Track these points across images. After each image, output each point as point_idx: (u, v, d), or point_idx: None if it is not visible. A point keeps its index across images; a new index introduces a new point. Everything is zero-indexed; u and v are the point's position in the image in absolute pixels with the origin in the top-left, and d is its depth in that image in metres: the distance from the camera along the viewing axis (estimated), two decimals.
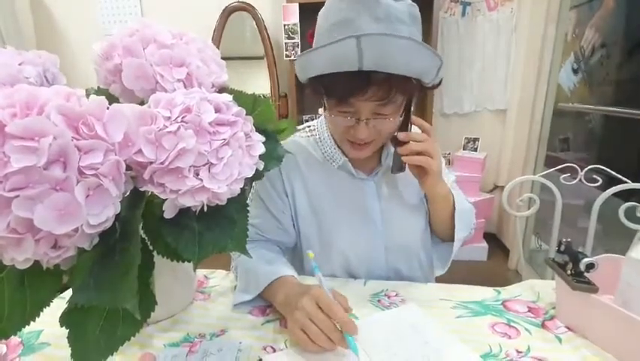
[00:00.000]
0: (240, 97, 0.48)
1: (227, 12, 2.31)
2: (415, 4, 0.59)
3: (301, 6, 2.08)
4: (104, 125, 0.34)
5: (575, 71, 1.87)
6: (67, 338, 0.37)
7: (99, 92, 0.51)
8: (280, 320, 0.62)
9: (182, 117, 0.38)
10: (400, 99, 0.62)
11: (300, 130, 0.81)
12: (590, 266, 0.54)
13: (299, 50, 2.17)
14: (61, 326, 0.37)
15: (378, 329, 0.60)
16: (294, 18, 2.11)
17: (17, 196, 0.30)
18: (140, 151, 0.37)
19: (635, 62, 1.52)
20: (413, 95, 0.64)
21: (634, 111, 1.40)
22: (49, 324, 0.50)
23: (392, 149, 0.70)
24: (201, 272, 0.79)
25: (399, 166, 0.69)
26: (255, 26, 2.31)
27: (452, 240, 0.76)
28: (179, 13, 2.43)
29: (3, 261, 0.33)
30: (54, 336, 0.58)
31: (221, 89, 0.49)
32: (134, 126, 0.37)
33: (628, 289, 0.56)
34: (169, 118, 0.38)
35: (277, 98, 2.37)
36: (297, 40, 2.15)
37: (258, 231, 0.75)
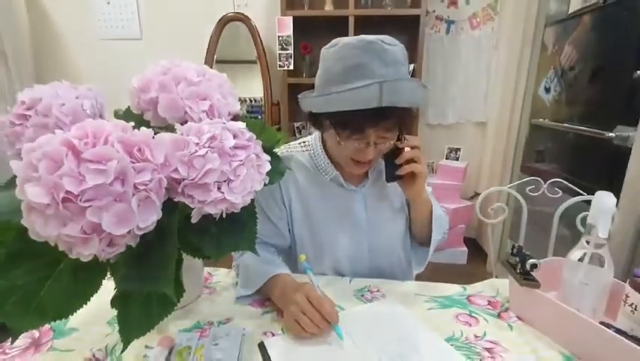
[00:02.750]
0: (249, 124, 0.58)
1: (223, 22, 2.40)
2: (404, 46, 0.72)
3: (295, 19, 2.18)
4: (152, 150, 0.44)
5: (547, 90, 2.01)
6: (117, 317, 0.47)
7: (126, 113, 0.61)
8: (277, 311, 0.73)
9: (209, 143, 0.48)
10: (400, 125, 0.74)
11: (296, 144, 0.91)
12: (534, 266, 0.66)
13: (292, 60, 2.27)
14: (112, 307, 0.47)
15: (361, 319, 0.71)
16: (288, 30, 2.21)
17: (90, 206, 0.40)
18: (176, 170, 0.47)
19: (599, 84, 1.67)
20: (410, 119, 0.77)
21: (593, 130, 1.55)
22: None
23: (383, 163, 0.81)
24: (206, 270, 0.88)
25: (393, 176, 0.79)
26: (250, 36, 2.40)
27: (428, 242, 0.88)
28: (176, 21, 2.51)
29: (70, 255, 0.43)
30: (82, 323, 0.67)
31: (235, 117, 0.60)
32: (170, 150, 0.47)
33: (567, 285, 0.68)
34: (198, 144, 0.48)
35: (270, 105, 2.47)
36: (291, 51, 2.25)
37: (258, 235, 0.85)
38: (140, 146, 0.43)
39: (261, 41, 2.40)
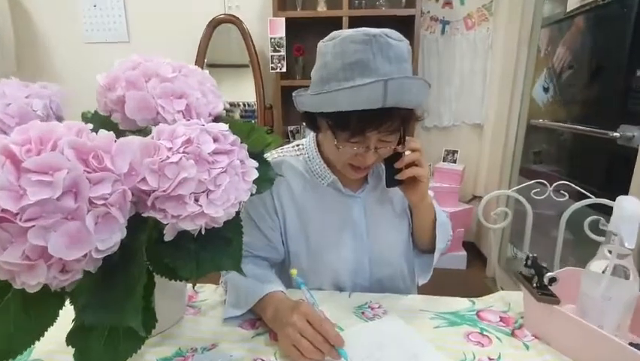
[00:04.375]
0: (235, 125, 0.51)
1: (214, 24, 2.34)
2: (408, 42, 0.66)
3: (287, 20, 2.13)
4: (112, 157, 0.37)
5: (546, 90, 1.98)
6: (74, 355, 0.39)
7: (95, 116, 0.54)
8: (269, 332, 0.65)
9: (184, 148, 0.41)
10: (403, 127, 0.68)
11: (289, 148, 0.84)
12: (553, 280, 0.60)
13: (285, 62, 2.21)
14: (68, 345, 0.40)
15: (362, 339, 0.64)
16: (280, 32, 2.16)
17: (32, 226, 0.33)
18: (144, 180, 0.40)
19: (599, 83, 1.64)
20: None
21: (596, 130, 1.50)
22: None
23: (383, 166, 0.76)
24: (191, 287, 0.81)
25: (394, 180, 0.73)
26: (242, 39, 2.34)
27: (432, 251, 0.81)
28: (165, 24, 2.44)
29: (14, 285, 0.36)
30: (46, 352, 0.60)
31: (217, 117, 0.53)
32: (138, 157, 0.40)
33: (586, 300, 0.62)
34: (171, 149, 0.41)
35: (263, 109, 2.40)
36: (283, 53, 2.19)
37: (248, 248, 0.78)
38: (96, 152, 0.36)
39: (252, 43, 2.33)
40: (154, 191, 0.40)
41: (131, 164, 0.39)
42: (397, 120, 0.64)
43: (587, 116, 1.69)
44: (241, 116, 2.50)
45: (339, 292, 0.79)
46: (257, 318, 0.69)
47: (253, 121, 2.46)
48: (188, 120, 0.46)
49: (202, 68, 2.20)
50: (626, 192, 1.28)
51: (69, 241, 0.34)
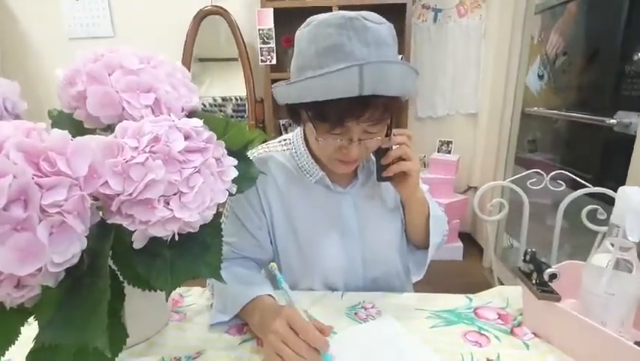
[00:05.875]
0: (210, 121, 0.47)
1: (201, 16, 2.27)
2: (392, 25, 0.61)
3: (276, 11, 2.07)
4: (67, 159, 0.33)
5: (541, 77, 1.95)
6: None
7: (60, 115, 0.49)
8: (257, 338, 0.62)
9: (151, 147, 0.38)
10: (388, 117, 0.64)
11: (275, 143, 0.81)
12: (553, 276, 0.57)
13: (274, 54, 2.15)
14: None
15: (355, 343, 0.61)
16: (268, 23, 2.10)
17: None
18: (106, 183, 0.36)
19: (594, 69, 1.61)
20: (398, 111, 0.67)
21: (592, 117, 1.48)
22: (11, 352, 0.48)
23: (374, 160, 0.72)
24: (176, 290, 0.77)
25: (382, 176, 0.70)
26: (230, 31, 2.28)
27: (426, 246, 0.78)
28: (150, 17, 2.37)
29: None
30: None
31: (192, 112, 0.49)
32: (99, 158, 0.36)
33: (588, 295, 0.59)
34: (136, 148, 0.37)
35: (253, 103, 2.35)
36: (273, 45, 2.13)
37: (234, 249, 0.75)
38: (48, 154, 0.32)
39: (241, 36, 2.27)
40: (118, 195, 0.37)
41: (92, 166, 0.35)
42: (379, 109, 0.60)
43: (583, 103, 1.67)
44: (233, 111, 2.45)
45: (331, 293, 0.76)
46: (244, 323, 0.66)
47: (245, 115, 2.41)
48: (158, 116, 0.42)
49: (190, 62, 2.13)
50: (623, 180, 1.25)
51: (20, 254, 0.31)
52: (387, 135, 0.68)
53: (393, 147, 0.69)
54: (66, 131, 0.33)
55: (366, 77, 0.53)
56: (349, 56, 0.55)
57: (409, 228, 0.81)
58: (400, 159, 0.68)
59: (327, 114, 0.59)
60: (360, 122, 0.60)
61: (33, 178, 0.31)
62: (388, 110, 0.61)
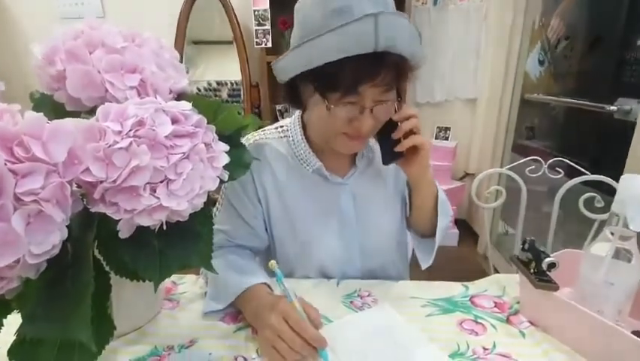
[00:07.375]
0: (200, 103, 0.45)
1: None
2: None
3: None
4: (44, 144, 0.31)
5: (541, 62, 1.91)
6: None
7: (43, 97, 0.47)
8: (252, 327, 0.61)
9: (135, 131, 0.35)
10: (399, 83, 0.62)
11: (272, 129, 0.78)
12: (552, 265, 0.56)
13: (270, 37, 2.10)
14: (11, 360, 0.35)
15: (350, 332, 0.60)
16: (263, 3, 2.04)
17: None
18: (87, 170, 0.34)
19: (595, 55, 1.58)
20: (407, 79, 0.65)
21: (592, 103, 1.46)
22: None
23: (373, 149, 0.70)
24: (170, 278, 0.76)
25: (392, 154, 0.67)
26: (224, 12, 2.21)
27: (431, 232, 0.76)
28: None
29: None
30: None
31: (181, 95, 0.46)
32: (80, 142, 0.34)
33: (586, 284, 0.59)
34: (120, 132, 0.35)
35: (249, 87, 2.30)
36: (268, 26, 2.08)
37: (229, 237, 0.73)
38: (22, 139, 0.30)
39: (235, 17, 2.20)
40: (101, 182, 0.34)
41: (72, 151, 0.33)
42: (392, 71, 0.58)
43: (583, 89, 1.64)
44: (229, 96, 2.40)
45: (327, 280, 0.75)
46: (239, 311, 0.65)
47: (241, 100, 2.37)
48: (143, 98, 0.40)
49: (184, 44, 2.05)
50: (621, 167, 1.24)
51: None
52: (396, 111, 0.65)
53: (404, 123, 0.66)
54: (41, 114, 0.31)
55: (381, 29, 0.52)
56: (362, 13, 0.53)
57: (416, 213, 0.77)
58: (411, 132, 0.66)
59: (340, 79, 0.56)
60: (375, 85, 0.58)
61: (6, 164, 0.29)
62: (400, 73, 0.60)
